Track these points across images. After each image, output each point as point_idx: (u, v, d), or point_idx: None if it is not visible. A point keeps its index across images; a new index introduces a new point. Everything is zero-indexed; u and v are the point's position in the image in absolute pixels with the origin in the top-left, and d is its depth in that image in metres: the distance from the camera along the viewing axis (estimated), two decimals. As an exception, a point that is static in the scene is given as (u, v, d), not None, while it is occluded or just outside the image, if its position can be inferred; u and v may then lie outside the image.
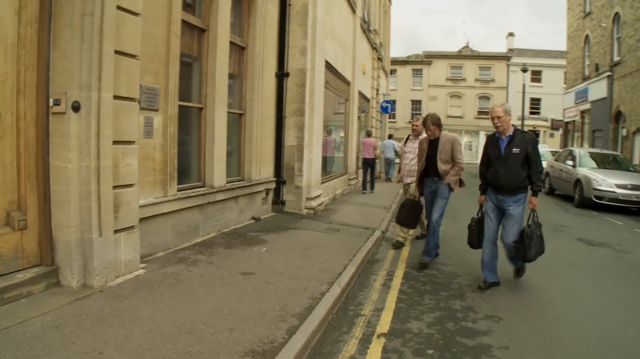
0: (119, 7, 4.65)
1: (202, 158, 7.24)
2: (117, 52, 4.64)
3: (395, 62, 45.68)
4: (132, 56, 4.88)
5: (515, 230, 5.68)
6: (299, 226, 8.68)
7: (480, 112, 49.85)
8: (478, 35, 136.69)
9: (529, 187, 5.73)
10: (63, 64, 4.40)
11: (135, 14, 4.89)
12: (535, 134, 45.38)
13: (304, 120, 10.00)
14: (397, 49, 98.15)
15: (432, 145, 6.86)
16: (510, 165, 5.60)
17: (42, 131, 4.42)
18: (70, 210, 4.48)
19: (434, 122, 6.77)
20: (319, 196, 10.85)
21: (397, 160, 11.40)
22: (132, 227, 5.05)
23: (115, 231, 4.80)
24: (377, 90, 22.21)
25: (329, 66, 12.17)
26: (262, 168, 9.06)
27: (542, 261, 6.04)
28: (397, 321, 4.64)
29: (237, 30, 8.30)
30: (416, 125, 8.39)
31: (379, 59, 22.21)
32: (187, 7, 6.61)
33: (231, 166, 8.21)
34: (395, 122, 47.60)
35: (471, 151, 48.42)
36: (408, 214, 7.16)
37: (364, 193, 15.66)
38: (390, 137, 22.81)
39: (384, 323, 4.59)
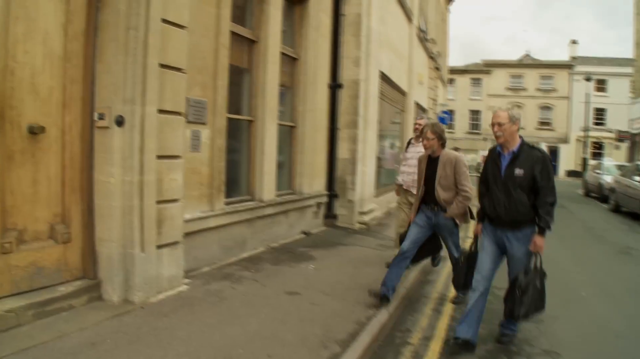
0: (164, 20, 4.59)
1: (252, 172, 7.14)
2: (162, 65, 4.57)
3: (453, 71, 44.80)
4: (178, 69, 4.81)
5: (518, 271, 4.28)
6: (350, 241, 8.45)
7: (541, 123, 48.22)
8: (540, 43, 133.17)
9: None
10: (108, 78, 4.38)
11: (181, 26, 4.82)
12: (599, 146, 44.44)
13: (357, 133, 9.78)
14: (455, 58, 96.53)
15: (431, 164, 5.27)
16: (511, 190, 4.17)
17: (87, 145, 4.40)
18: (112, 224, 4.43)
19: (434, 131, 5.14)
20: (371, 210, 10.59)
21: None
22: (175, 243, 4.96)
23: (158, 247, 4.71)
24: (435, 100, 21.77)
25: (383, 76, 11.92)
26: (313, 182, 8.90)
27: (606, 288, 5.56)
28: (446, 353, 4.34)
29: (289, 41, 8.19)
30: (419, 124, 6.50)
31: (437, 69, 21.78)
32: (237, 18, 6.53)
33: (282, 179, 8.08)
34: (453, 133, 46.71)
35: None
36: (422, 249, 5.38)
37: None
38: (456, 149, 22.22)
39: (432, 354, 4.32)
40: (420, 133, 6.06)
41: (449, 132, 39.57)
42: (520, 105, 48.93)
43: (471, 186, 5.13)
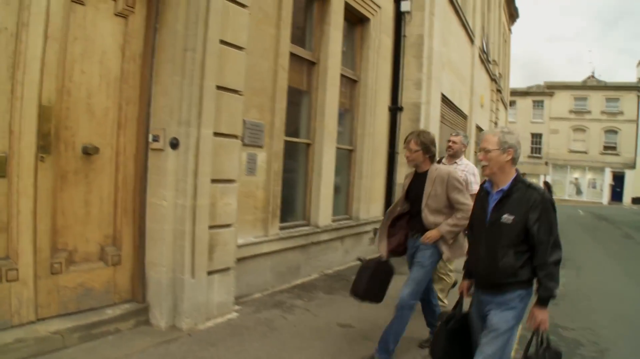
0: (222, 42, 4.51)
1: (308, 196, 6.97)
2: (218, 87, 4.48)
3: (514, 93, 43.52)
4: (235, 91, 4.71)
5: (488, 354, 2.88)
6: (406, 270, 8.05)
7: (606, 147, 46.11)
8: (605, 64, 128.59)
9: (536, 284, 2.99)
10: (163, 100, 4.31)
11: (239, 47, 4.73)
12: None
13: (416, 157, 9.44)
14: (516, 79, 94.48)
15: (417, 182, 4.19)
16: (494, 243, 2.98)
17: (140, 166, 4.33)
18: (163, 248, 4.33)
19: (419, 142, 4.08)
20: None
21: None
22: (227, 269, 4.81)
23: (209, 273, 4.57)
24: (496, 123, 21.15)
25: (444, 99, 11.59)
26: (370, 207, 8.64)
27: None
28: None
29: (349, 62, 8.04)
30: (454, 142, 5.50)
31: (498, 91, 21.22)
32: (296, 39, 6.43)
33: (338, 204, 7.88)
34: (514, 156, 45.25)
35: (595, 189, 45.13)
36: (369, 282, 4.27)
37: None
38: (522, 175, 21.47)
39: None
40: (454, 153, 5.51)
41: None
42: (584, 128, 47.21)
43: (470, 204, 3.78)
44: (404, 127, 9.46)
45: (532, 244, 2.90)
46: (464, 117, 14.83)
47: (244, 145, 5.18)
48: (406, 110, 9.48)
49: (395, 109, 9.34)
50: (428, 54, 9.69)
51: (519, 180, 3.02)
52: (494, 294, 3.00)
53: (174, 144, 4.25)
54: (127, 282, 4.36)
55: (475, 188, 5.09)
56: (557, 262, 2.88)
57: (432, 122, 10.00)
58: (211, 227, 4.56)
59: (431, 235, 3.99)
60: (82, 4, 3.87)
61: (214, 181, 4.51)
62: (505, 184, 3.02)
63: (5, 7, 3.40)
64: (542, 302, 2.88)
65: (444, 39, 10.97)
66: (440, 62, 10.52)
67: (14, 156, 3.50)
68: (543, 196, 2.94)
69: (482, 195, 3.19)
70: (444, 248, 4.03)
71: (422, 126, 9.45)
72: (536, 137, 48.66)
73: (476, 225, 3.22)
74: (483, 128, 18.13)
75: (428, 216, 4.03)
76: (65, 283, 3.88)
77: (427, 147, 4.08)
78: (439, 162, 5.30)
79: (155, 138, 4.30)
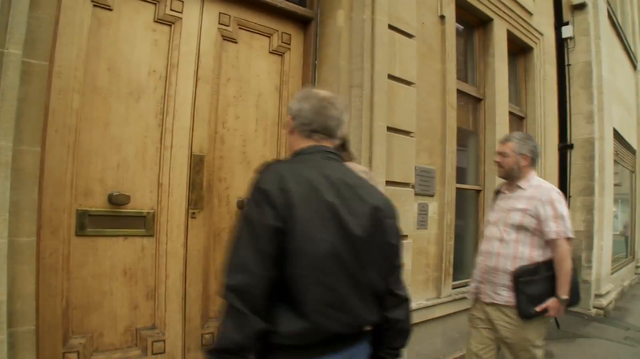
0: (390, 76, 3.99)
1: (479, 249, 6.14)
2: (389, 128, 3.92)
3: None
4: (407, 133, 4.13)
5: None
6: (589, 332, 6.91)
7: None
8: None
9: None
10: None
11: (408, 83, 4.18)
12: None
13: (593, 200, 8.24)
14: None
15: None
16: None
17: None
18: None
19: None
20: (608, 292, 8.82)
21: None
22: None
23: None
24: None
25: (615, 133, 10.24)
26: (544, 257, 7.58)
27: None
28: None
29: (513, 97, 7.19)
30: (502, 154, 3.30)
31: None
32: (459, 73, 5.76)
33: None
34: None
35: None
36: None
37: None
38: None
39: None
40: (506, 174, 3.33)
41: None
42: None
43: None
44: (576, 166, 8.34)
45: None
46: (633, 152, 13.14)
47: (415, 194, 4.55)
48: (577, 148, 8.32)
49: (564, 147, 8.23)
50: (597, 83, 8.53)
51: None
52: None
53: (345, 196, 3.71)
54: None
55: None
56: None
57: (606, 159, 8.71)
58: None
59: None
60: (234, 41, 3.57)
61: (386, 237, 3.91)
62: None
63: (153, 47, 3.11)
64: None
65: (610, 65, 9.75)
66: (610, 92, 9.29)
67: (162, 212, 3.15)
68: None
69: None
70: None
71: (596, 165, 8.29)
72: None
73: None
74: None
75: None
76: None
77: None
78: (497, 192, 3.53)
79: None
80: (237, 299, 1.48)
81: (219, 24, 3.51)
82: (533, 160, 3.26)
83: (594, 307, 8.17)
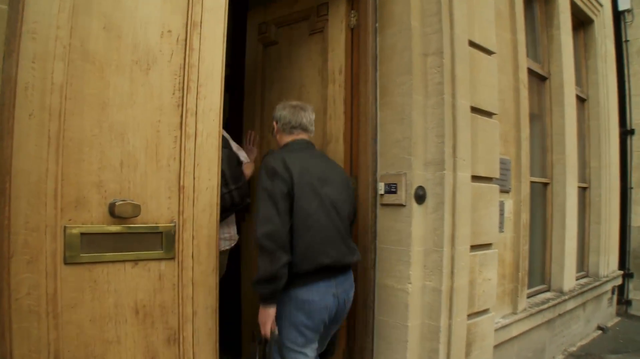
0: (471, 43, 3.09)
1: (548, 253, 5.22)
2: (472, 109, 3.03)
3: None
4: (489, 114, 3.24)
5: None
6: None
7: None
8: None
9: None
10: (398, 130, 2.91)
11: (488, 52, 3.29)
12: None
13: (659, 192, 7.31)
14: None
15: None
16: None
17: (364, 230, 2.96)
18: (406, 354, 2.87)
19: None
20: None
21: None
22: (485, 376, 3.25)
23: (465, 384, 3.04)
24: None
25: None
26: (608, 259, 6.63)
27: None
28: None
29: (575, 76, 6.29)
30: None
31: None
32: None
33: (574, 258, 6.00)
34: None
35: None
36: None
37: None
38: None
39: None
40: None
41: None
42: None
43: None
44: (637, 154, 7.40)
45: None
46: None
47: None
48: (638, 134, 7.39)
49: (625, 133, 7.30)
50: (659, 62, 7.61)
51: None
52: None
53: (421, 196, 2.82)
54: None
55: None
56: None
57: (670, 147, 7.81)
58: (469, 316, 3.05)
59: None
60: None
61: (473, 247, 3.02)
62: None
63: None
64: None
65: (667, 43, 8.80)
66: (670, 72, 8.35)
67: (186, 226, 2.22)
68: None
69: None
70: None
71: (660, 153, 7.35)
72: None
73: None
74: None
75: None
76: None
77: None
78: None
79: (391, 189, 2.88)
80: (269, 241, 2.11)
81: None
82: None
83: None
